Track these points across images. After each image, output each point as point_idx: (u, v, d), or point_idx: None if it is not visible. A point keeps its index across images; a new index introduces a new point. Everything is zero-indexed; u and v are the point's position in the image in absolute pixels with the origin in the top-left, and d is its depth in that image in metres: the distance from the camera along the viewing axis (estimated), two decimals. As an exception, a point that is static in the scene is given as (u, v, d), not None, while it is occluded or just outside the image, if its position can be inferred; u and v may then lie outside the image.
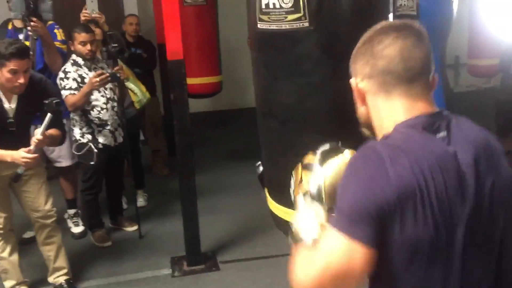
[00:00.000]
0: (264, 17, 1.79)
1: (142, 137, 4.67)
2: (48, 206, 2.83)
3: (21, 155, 2.48)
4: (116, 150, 3.44)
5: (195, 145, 2.92)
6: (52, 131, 2.62)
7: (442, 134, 1.01)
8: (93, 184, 3.43)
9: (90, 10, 3.61)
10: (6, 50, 2.40)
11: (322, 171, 1.22)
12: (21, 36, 3.22)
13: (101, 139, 3.33)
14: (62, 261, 2.95)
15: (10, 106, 2.59)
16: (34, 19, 3.02)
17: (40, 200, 2.81)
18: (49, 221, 2.85)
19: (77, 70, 3.27)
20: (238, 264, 3.21)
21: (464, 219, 0.98)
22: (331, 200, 1.16)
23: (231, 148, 5.53)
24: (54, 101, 2.53)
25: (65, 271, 2.96)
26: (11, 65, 2.42)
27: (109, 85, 3.32)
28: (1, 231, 2.75)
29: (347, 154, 1.23)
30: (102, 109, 3.31)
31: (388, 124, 1.05)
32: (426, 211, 0.94)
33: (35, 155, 2.51)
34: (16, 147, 2.52)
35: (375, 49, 1.04)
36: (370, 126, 1.12)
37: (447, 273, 0.99)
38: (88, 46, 3.25)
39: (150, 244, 3.52)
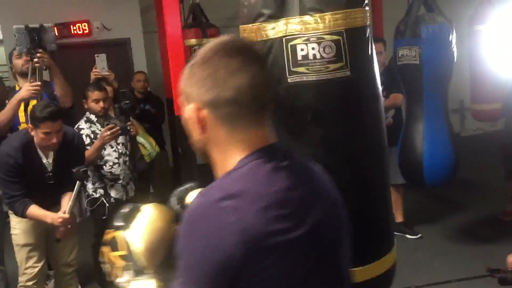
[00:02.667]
0: (301, 69, 1.75)
1: (151, 190, 4.73)
2: (72, 256, 3.04)
3: (59, 215, 2.73)
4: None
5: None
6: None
7: (286, 163, 0.96)
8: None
9: (100, 68, 3.74)
10: (41, 114, 2.61)
11: (131, 237, 1.09)
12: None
13: (113, 194, 3.39)
14: None
15: (48, 161, 2.81)
16: (40, 50, 3.11)
17: (66, 250, 3.01)
18: (70, 269, 3.03)
19: (90, 127, 3.38)
20: None
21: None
22: (154, 259, 1.08)
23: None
24: (82, 170, 2.70)
25: None
26: (45, 127, 2.63)
27: (121, 140, 3.41)
28: (36, 280, 2.89)
29: (146, 209, 1.13)
30: (114, 163, 3.38)
31: (232, 159, 0.95)
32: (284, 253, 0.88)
33: (68, 216, 2.75)
34: (53, 199, 2.80)
35: (219, 75, 0.93)
36: (207, 156, 1.01)
37: None
38: (101, 104, 3.36)
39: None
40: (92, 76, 3.80)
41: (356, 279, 1.83)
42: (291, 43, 1.75)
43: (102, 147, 3.28)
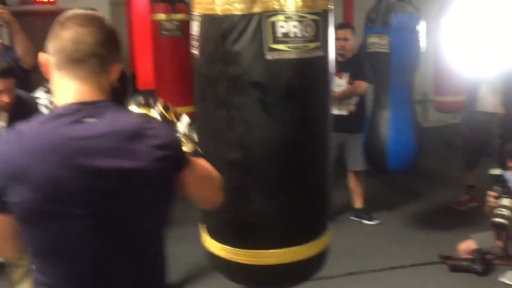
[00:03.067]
0: (281, 46, 1.75)
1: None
2: None
3: None
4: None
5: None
6: None
7: (91, 120, 1.16)
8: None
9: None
10: None
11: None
12: None
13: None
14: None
15: (1, 124, 2.66)
16: (0, 5, 2.99)
17: None
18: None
19: (48, 97, 3.26)
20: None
21: (82, 196, 1.13)
22: None
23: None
24: None
25: None
26: None
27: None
28: None
29: None
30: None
31: (58, 101, 1.21)
32: (31, 186, 1.11)
33: None
34: None
35: (58, 31, 1.20)
36: None
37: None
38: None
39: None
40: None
41: (286, 259, 1.91)
42: (271, 20, 1.74)
43: None
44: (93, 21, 1.21)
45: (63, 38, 1.18)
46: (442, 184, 5.38)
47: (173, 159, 1.22)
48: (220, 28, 1.77)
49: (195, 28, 1.91)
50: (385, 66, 3.57)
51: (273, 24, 1.73)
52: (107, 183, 1.14)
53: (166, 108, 1.57)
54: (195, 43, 1.92)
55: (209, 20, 1.81)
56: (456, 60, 4.22)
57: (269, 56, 1.75)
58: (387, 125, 3.62)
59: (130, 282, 1.22)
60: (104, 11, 6.29)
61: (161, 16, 4.68)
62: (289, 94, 1.81)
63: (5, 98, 2.56)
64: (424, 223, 4.38)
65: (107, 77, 1.24)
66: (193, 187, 1.32)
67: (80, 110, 1.17)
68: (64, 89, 1.20)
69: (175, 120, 1.58)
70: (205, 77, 1.89)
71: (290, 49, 1.75)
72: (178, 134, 1.56)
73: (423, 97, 7.82)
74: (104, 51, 1.20)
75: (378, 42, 3.59)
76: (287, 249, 1.90)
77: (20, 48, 3.21)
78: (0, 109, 2.65)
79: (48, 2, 6.12)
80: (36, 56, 3.16)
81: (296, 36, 1.75)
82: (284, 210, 1.91)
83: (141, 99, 1.59)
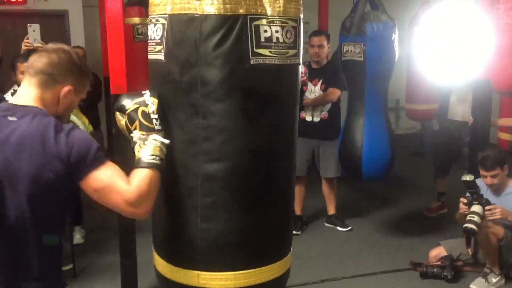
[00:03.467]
0: (264, 51, 1.68)
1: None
2: None
3: None
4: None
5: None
6: None
7: (12, 118, 1.43)
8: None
9: (32, 39, 3.51)
10: None
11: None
12: None
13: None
14: None
15: None
16: None
17: None
18: None
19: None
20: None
21: None
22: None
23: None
24: None
25: None
26: None
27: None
28: None
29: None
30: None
31: (13, 100, 1.54)
32: None
33: None
34: None
35: (36, 54, 1.57)
36: None
37: None
38: (30, 76, 3.16)
39: (85, 283, 3.38)
40: (23, 47, 3.56)
41: (262, 278, 1.79)
42: (254, 23, 1.66)
43: None
44: (57, 50, 1.54)
45: (33, 57, 1.54)
46: (412, 191, 5.47)
47: (68, 167, 1.41)
48: (198, 29, 1.63)
49: (155, 31, 1.76)
50: (360, 74, 3.60)
51: (256, 27, 1.66)
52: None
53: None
54: (155, 47, 1.77)
55: (184, 21, 1.66)
56: (427, 69, 4.28)
57: (253, 60, 1.67)
58: (362, 132, 3.64)
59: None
60: (77, 13, 6.19)
61: (135, 20, 4.64)
62: (269, 101, 1.74)
63: None
64: (395, 230, 4.43)
65: (52, 93, 1.52)
66: (92, 195, 1.46)
67: (11, 109, 1.47)
68: (20, 92, 1.54)
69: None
70: (176, 83, 1.71)
71: (273, 55, 1.69)
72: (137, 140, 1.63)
73: (396, 104, 7.96)
74: (53, 71, 1.51)
75: (353, 51, 3.62)
76: (264, 267, 1.80)
77: None
78: None
79: (18, 2, 5.98)
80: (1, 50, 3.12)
81: (278, 42, 1.70)
82: (264, 225, 1.80)
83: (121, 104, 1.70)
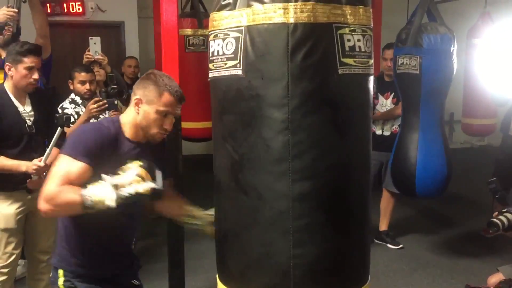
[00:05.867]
0: (349, 61, 1.62)
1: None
2: (49, 242, 2.86)
3: (34, 163, 2.55)
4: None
5: (186, 188, 2.89)
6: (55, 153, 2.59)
7: None
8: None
9: (93, 52, 3.65)
10: (23, 48, 2.60)
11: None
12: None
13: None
14: None
15: (24, 109, 2.68)
16: None
17: (45, 235, 2.85)
18: (45, 257, 2.86)
19: (74, 107, 3.27)
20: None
21: None
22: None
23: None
24: (65, 116, 2.57)
25: None
26: (28, 61, 2.59)
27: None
28: (10, 268, 2.73)
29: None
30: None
31: None
32: None
33: (44, 165, 2.56)
34: (36, 152, 2.63)
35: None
36: None
37: None
38: (87, 86, 3.26)
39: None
40: (85, 59, 3.69)
41: None
42: (339, 32, 1.59)
43: (87, 121, 3.15)
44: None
45: None
46: (468, 208, 5.24)
47: None
48: (286, 39, 1.53)
49: (223, 46, 1.66)
50: (415, 87, 3.48)
51: (341, 36, 1.58)
52: None
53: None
54: (227, 62, 1.66)
55: (268, 31, 1.56)
56: (488, 83, 4.11)
57: (340, 70, 1.58)
58: (416, 148, 3.51)
59: None
60: (132, 24, 6.38)
61: (188, 31, 4.72)
62: (356, 112, 1.66)
63: (36, 75, 2.63)
64: (449, 250, 4.24)
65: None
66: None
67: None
68: None
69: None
70: (259, 98, 1.59)
71: (357, 64, 1.62)
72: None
73: (450, 118, 7.70)
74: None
75: (409, 63, 3.50)
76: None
77: (36, 23, 3.38)
78: (28, 88, 2.67)
79: (77, 14, 6.21)
80: (47, 28, 3.33)
81: (360, 50, 1.63)
82: (357, 245, 1.71)
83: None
